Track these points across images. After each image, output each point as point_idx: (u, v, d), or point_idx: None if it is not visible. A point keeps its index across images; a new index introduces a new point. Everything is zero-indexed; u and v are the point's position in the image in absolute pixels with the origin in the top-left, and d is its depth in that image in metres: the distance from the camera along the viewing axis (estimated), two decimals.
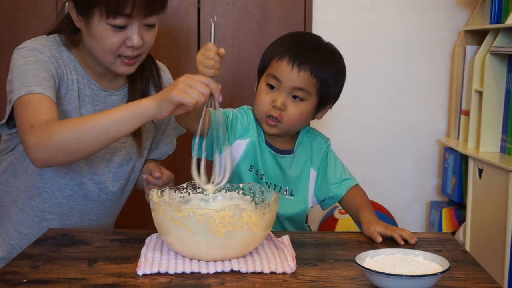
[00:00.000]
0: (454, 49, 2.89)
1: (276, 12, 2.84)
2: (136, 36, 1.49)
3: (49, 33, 1.61)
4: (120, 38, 1.48)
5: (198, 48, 2.82)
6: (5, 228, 1.64)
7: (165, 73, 1.75)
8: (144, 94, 1.65)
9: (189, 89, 1.28)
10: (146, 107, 1.33)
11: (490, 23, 2.66)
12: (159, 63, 1.74)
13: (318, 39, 1.62)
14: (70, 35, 1.57)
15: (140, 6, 1.46)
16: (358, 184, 1.67)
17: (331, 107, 1.64)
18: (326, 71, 1.55)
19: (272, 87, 1.54)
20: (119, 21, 1.46)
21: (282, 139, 1.62)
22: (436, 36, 2.93)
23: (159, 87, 1.68)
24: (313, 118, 1.63)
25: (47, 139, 1.35)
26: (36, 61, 1.48)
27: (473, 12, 2.82)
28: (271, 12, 2.84)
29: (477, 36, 2.82)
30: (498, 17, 2.60)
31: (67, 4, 1.58)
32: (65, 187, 1.60)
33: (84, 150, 1.39)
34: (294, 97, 1.53)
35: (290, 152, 1.62)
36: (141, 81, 1.66)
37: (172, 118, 1.71)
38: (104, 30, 1.47)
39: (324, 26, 2.87)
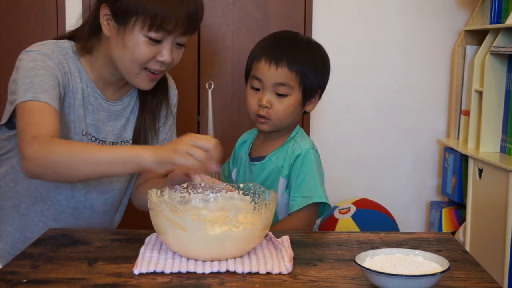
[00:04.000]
0: (454, 49, 2.89)
1: (276, 12, 2.84)
2: (168, 52, 1.49)
3: (60, 38, 1.60)
4: (153, 52, 1.48)
5: (198, 47, 2.82)
6: (5, 231, 1.64)
7: (173, 90, 1.74)
8: (154, 114, 1.66)
9: (191, 153, 1.28)
10: (146, 161, 1.32)
11: (490, 23, 2.66)
12: (168, 76, 1.73)
13: (293, 35, 1.70)
14: (87, 41, 1.56)
15: (182, 23, 1.46)
16: (311, 203, 1.58)
17: (320, 98, 1.70)
18: (303, 63, 1.62)
19: (257, 89, 1.64)
20: (158, 35, 1.46)
21: (271, 144, 1.68)
22: (436, 36, 2.93)
23: (168, 108, 1.70)
24: (304, 112, 1.70)
25: (45, 156, 1.34)
26: (45, 67, 1.47)
27: (473, 12, 2.82)
28: (271, 12, 2.84)
29: (477, 36, 2.82)
30: (498, 17, 2.60)
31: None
32: (72, 197, 1.60)
33: (75, 177, 1.41)
34: (279, 94, 1.61)
35: (262, 158, 1.68)
36: (153, 100, 1.66)
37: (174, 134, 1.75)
38: (140, 41, 1.47)
39: (324, 26, 2.87)
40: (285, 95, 1.61)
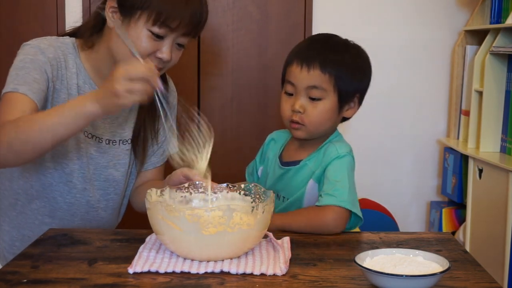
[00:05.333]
0: (454, 49, 2.89)
1: (276, 12, 2.84)
2: (168, 50, 1.49)
3: (63, 35, 1.61)
4: (153, 47, 1.48)
5: (198, 47, 2.83)
6: (3, 230, 1.64)
7: (172, 91, 1.73)
8: (153, 115, 1.66)
9: (131, 89, 1.24)
10: (91, 111, 1.29)
11: (490, 23, 2.66)
12: (168, 78, 1.73)
13: (328, 37, 1.62)
14: (89, 36, 1.57)
15: (185, 23, 1.47)
16: (332, 205, 1.45)
17: (360, 103, 1.62)
18: (336, 65, 1.54)
19: (290, 93, 1.56)
20: (161, 31, 1.47)
21: (307, 149, 1.60)
22: (436, 36, 2.93)
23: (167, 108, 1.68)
24: (342, 118, 1.60)
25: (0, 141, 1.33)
26: (34, 61, 1.48)
27: (473, 12, 2.83)
28: (271, 12, 2.84)
29: (477, 36, 2.82)
30: (498, 17, 2.60)
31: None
32: (67, 193, 1.60)
33: (34, 151, 1.35)
34: (312, 98, 1.54)
35: (296, 163, 1.60)
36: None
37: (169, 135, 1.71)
38: (142, 34, 1.47)
39: (324, 26, 2.87)
40: (318, 99, 1.53)
